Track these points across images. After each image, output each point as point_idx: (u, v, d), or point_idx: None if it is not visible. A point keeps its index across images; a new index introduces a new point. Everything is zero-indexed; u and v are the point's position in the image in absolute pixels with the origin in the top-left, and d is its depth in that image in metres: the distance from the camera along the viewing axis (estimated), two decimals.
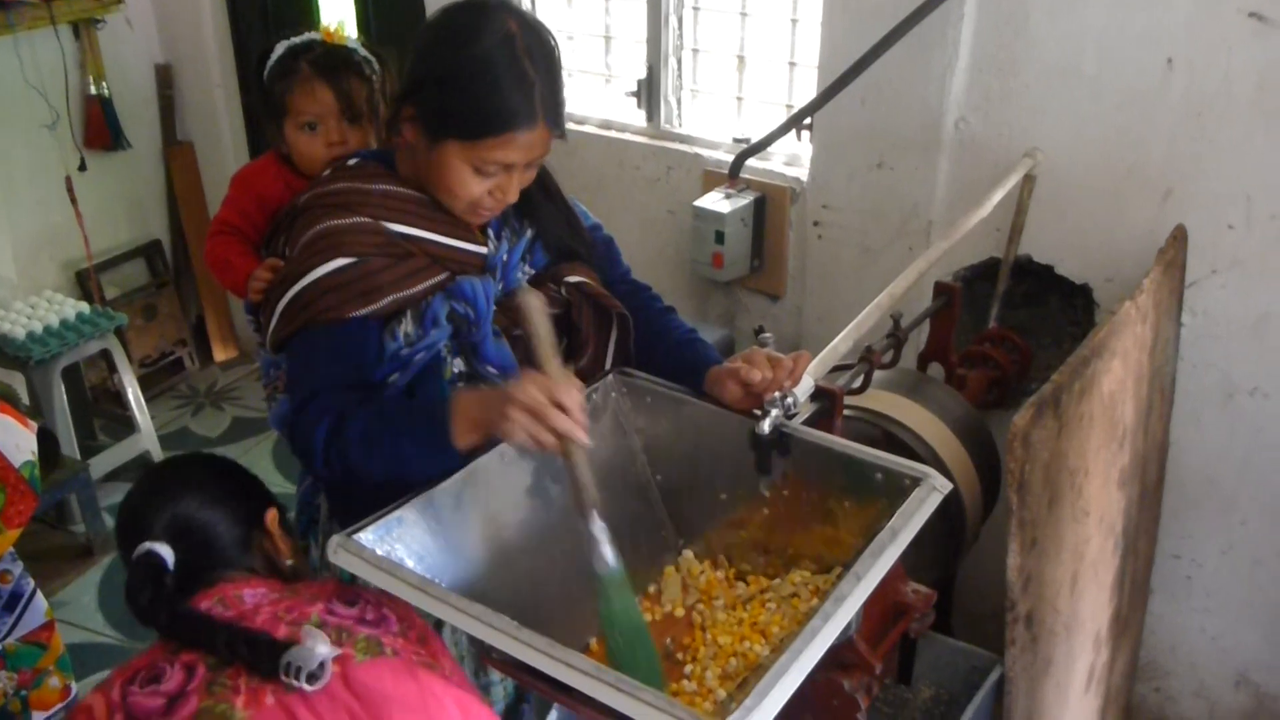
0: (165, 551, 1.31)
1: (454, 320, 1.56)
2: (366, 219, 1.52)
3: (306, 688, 1.14)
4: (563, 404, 1.31)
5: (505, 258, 1.62)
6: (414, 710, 1.20)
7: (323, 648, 1.16)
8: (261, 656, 1.16)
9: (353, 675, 1.19)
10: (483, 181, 1.51)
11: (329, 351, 1.50)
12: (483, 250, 1.60)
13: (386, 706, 1.19)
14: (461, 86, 1.46)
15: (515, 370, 1.60)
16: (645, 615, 1.55)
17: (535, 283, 1.66)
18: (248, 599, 1.28)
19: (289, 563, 1.44)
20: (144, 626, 1.27)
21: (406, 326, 1.53)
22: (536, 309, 1.40)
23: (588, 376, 1.69)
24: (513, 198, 1.55)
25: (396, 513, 1.38)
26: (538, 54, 1.47)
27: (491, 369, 1.59)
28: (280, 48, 1.84)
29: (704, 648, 1.50)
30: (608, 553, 1.35)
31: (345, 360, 1.50)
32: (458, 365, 1.59)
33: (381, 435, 1.43)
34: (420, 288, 1.53)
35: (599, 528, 1.35)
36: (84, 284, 4.04)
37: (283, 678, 1.14)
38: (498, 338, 1.60)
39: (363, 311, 1.50)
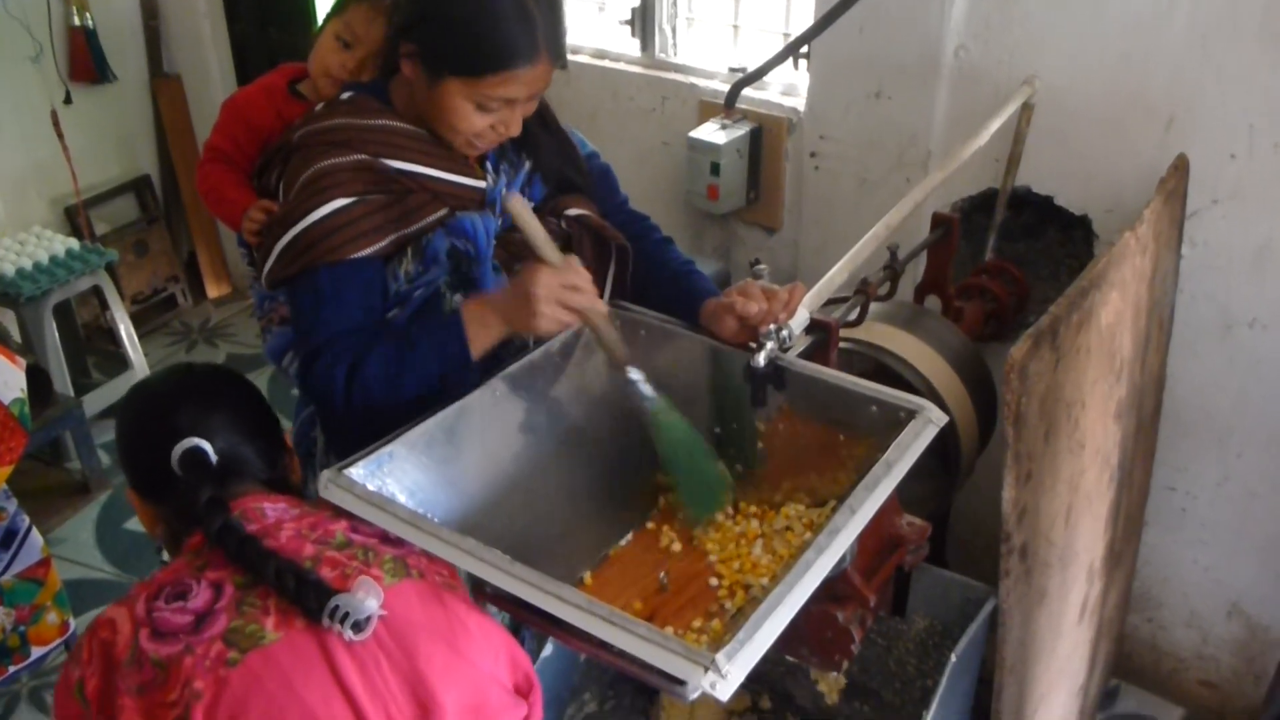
0: (209, 450, 1.29)
1: (454, 256, 1.55)
2: (364, 156, 1.50)
3: (350, 636, 1.13)
4: (576, 284, 1.41)
5: (504, 191, 1.60)
6: (439, 635, 1.21)
7: (373, 601, 1.15)
8: (309, 596, 1.14)
9: (382, 592, 1.19)
10: (485, 117, 1.49)
11: (334, 294, 1.49)
12: (482, 185, 1.58)
13: (412, 631, 1.19)
14: (462, 23, 1.43)
15: None
16: (641, 551, 1.55)
17: (535, 215, 1.64)
18: (269, 513, 1.27)
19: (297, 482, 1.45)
20: (192, 526, 1.25)
21: (407, 264, 1.52)
22: (522, 207, 1.44)
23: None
24: (515, 131, 1.53)
25: (387, 448, 1.37)
26: None
27: None
28: None
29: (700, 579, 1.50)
30: (647, 390, 1.48)
31: (351, 302, 1.49)
32: (457, 300, 1.58)
33: (401, 368, 1.45)
34: (420, 224, 1.52)
35: (635, 374, 1.48)
36: (73, 220, 4.00)
37: (326, 621, 1.13)
38: (498, 273, 1.59)
39: (365, 252, 1.48)
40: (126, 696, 1.12)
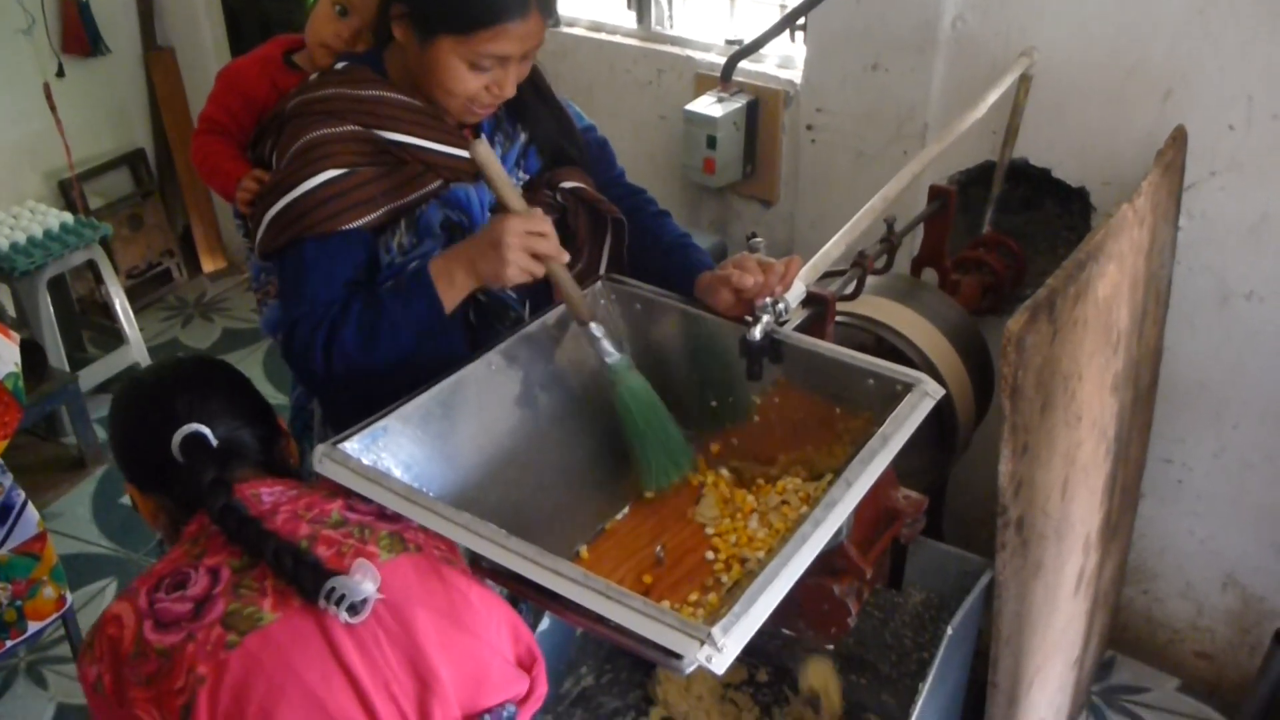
0: (209, 434, 1.30)
1: (449, 228, 1.53)
2: (357, 127, 1.49)
3: (345, 618, 1.13)
4: (542, 231, 1.42)
5: (470, 137, 1.58)
6: (438, 607, 1.21)
7: (369, 585, 1.15)
8: (306, 578, 1.15)
9: (379, 574, 1.19)
10: (479, 77, 1.48)
11: (321, 265, 1.48)
12: None
13: (411, 605, 1.19)
14: None
15: None
16: (638, 525, 1.55)
17: (530, 188, 1.64)
18: (265, 498, 1.27)
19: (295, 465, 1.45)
20: (195, 509, 1.25)
21: (400, 237, 1.51)
22: (487, 153, 1.43)
23: (581, 282, 1.67)
24: (509, 92, 1.52)
25: (382, 421, 1.36)
26: None
27: None
28: None
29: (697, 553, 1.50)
30: (609, 346, 1.49)
31: (336, 275, 1.49)
32: None
33: (374, 330, 1.45)
34: (414, 196, 1.51)
35: (596, 328, 1.49)
36: (67, 194, 3.98)
37: (321, 603, 1.13)
38: None
39: (355, 224, 1.48)
40: (136, 688, 1.13)
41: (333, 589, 1.13)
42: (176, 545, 1.26)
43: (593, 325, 1.48)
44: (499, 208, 1.46)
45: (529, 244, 1.40)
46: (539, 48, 1.51)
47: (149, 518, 1.38)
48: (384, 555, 1.22)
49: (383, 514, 1.28)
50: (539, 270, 1.43)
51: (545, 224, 1.43)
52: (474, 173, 1.57)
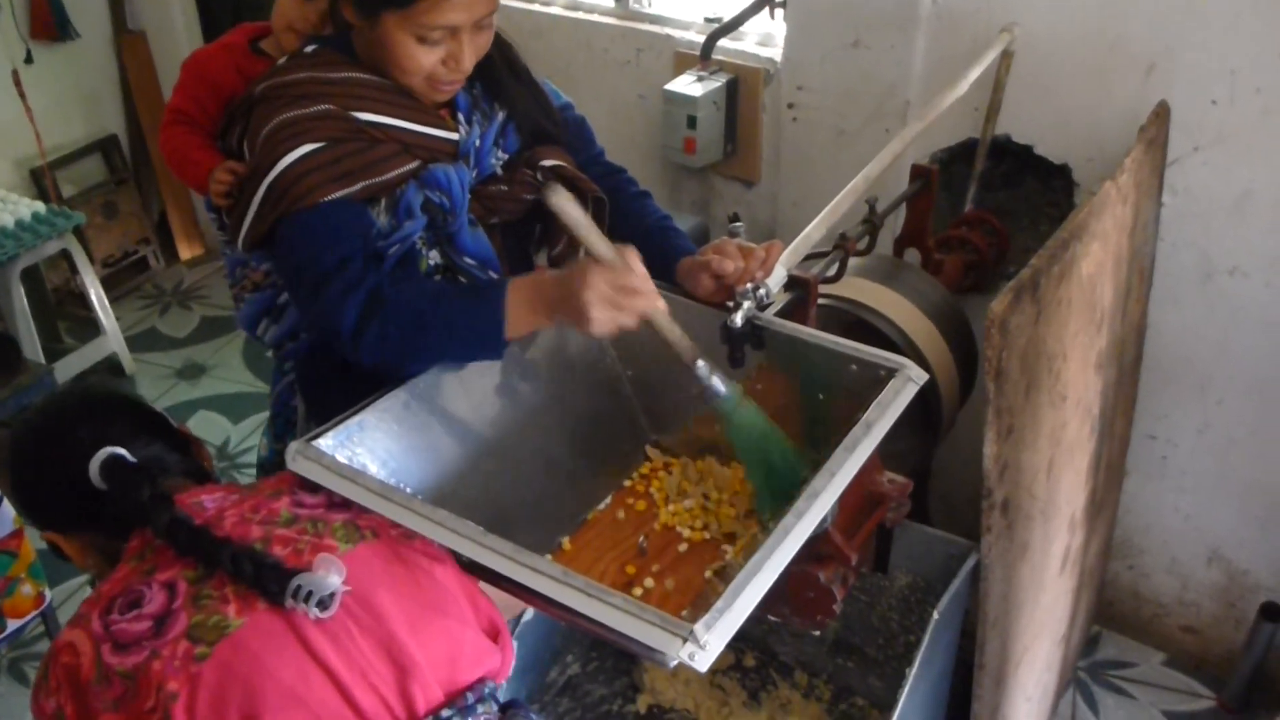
0: (126, 454, 1.26)
1: (429, 210, 1.50)
2: (330, 106, 1.45)
3: (315, 614, 1.11)
4: (632, 286, 1.31)
5: (478, 143, 1.55)
6: (405, 592, 1.19)
7: (335, 578, 1.12)
8: (269, 580, 1.12)
9: (343, 566, 1.16)
10: (431, 51, 1.43)
11: (323, 233, 1.42)
12: (454, 136, 1.53)
13: (377, 592, 1.17)
14: None
15: (493, 260, 1.55)
16: (619, 510, 1.53)
17: (510, 167, 1.60)
18: (208, 505, 1.24)
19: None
20: (128, 533, 1.21)
21: (380, 218, 1.47)
22: (566, 202, 1.34)
23: (560, 263, 1.64)
24: (467, 65, 1.46)
25: (358, 417, 1.34)
26: None
27: (469, 260, 1.54)
28: None
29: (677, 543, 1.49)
30: (717, 384, 1.39)
31: (349, 230, 1.43)
32: (434, 257, 1.54)
33: (426, 314, 1.37)
34: (392, 175, 1.47)
35: (702, 368, 1.38)
36: (39, 182, 3.92)
37: (289, 602, 1.11)
38: (474, 226, 1.54)
39: (338, 194, 1.42)
40: (105, 714, 1.10)
41: (299, 587, 1.11)
42: (121, 565, 1.22)
43: (699, 364, 1.38)
44: (585, 252, 1.36)
45: (616, 300, 1.30)
46: (492, 14, 1.45)
47: (77, 558, 1.33)
48: (343, 546, 1.20)
49: (332, 503, 1.26)
50: (630, 323, 1.33)
51: (636, 275, 1.32)
52: (452, 153, 1.53)
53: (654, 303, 1.34)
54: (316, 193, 1.41)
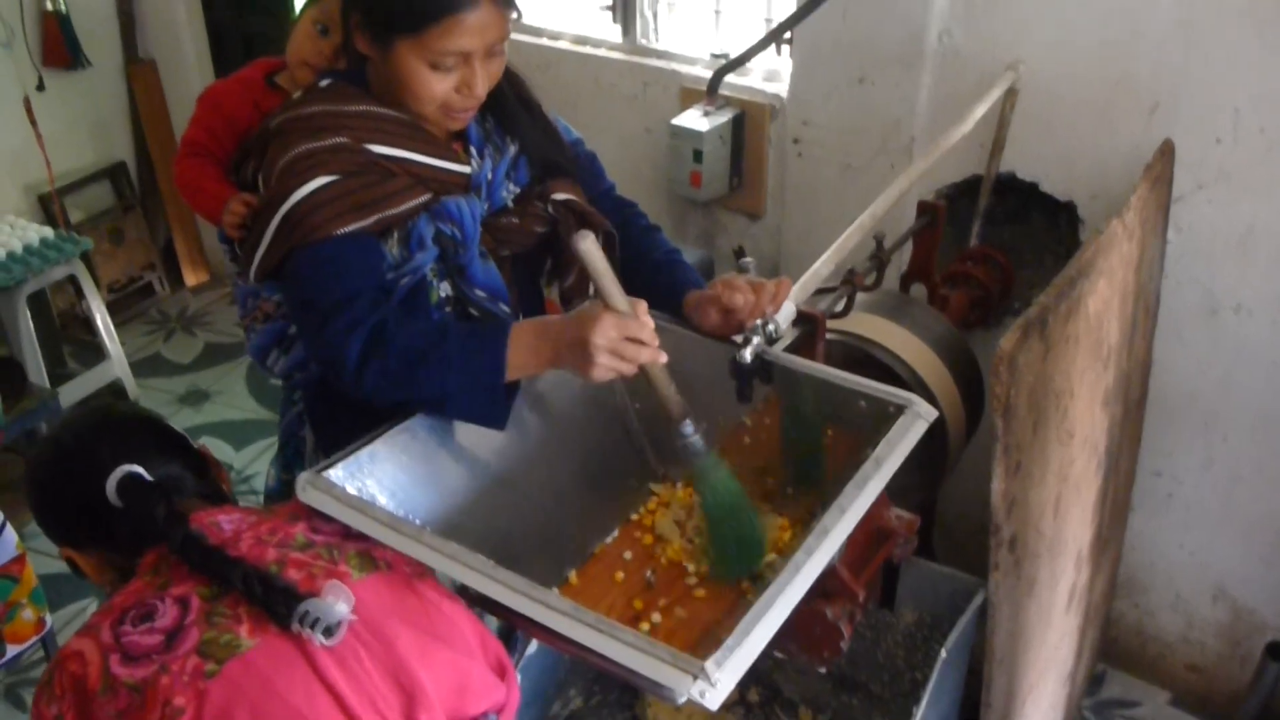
0: (144, 473, 1.27)
1: (441, 242, 1.51)
2: (345, 139, 1.46)
3: (321, 640, 1.11)
4: (639, 336, 1.33)
5: (490, 176, 1.57)
6: (415, 622, 1.20)
7: (343, 605, 1.13)
8: (278, 602, 1.12)
9: (352, 592, 1.17)
10: (444, 78, 1.44)
11: (336, 260, 1.43)
12: (466, 169, 1.55)
13: (389, 622, 1.18)
14: None
15: (503, 292, 1.56)
16: (627, 548, 1.53)
17: (521, 200, 1.61)
18: (225, 526, 1.24)
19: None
20: (142, 551, 1.22)
21: (392, 249, 1.48)
22: (591, 247, 1.34)
23: (571, 297, 1.65)
24: (481, 91, 1.48)
25: (368, 448, 1.35)
26: None
27: (480, 292, 1.55)
28: None
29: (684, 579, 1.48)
30: (698, 443, 1.41)
31: (357, 267, 1.44)
32: (444, 289, 1.55)
33: (429, 348, 1.38)
34: (405, 207, 1.48)
35: (688, 426, 1.40)
36: (47, 208, 3.94)
37: (295, 626, 1.11)
38: (485, 258, 1.55)
39: (350, 228, 1.44)
40: None
41: (307, 612, 1.11)
42: (135, 579, 1.23)
43: (685, 424, 1.40)
44: (600, 300, 1.36)
45: (621, 349, 1.32)
46: (504, 40, 1.47)
47: (93, 575, 1.34)
48: (356, 574, 1.21)
49: (348, 533, 1.26)
50: (629, 371, 1.35)
51: (644, 327, 1.34)
52: (464, 185, 1.55)
53: (655, 356, 1.35)
54: (330, 225, 1.42)
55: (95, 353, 3.78)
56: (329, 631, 1.12)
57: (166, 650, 1.12)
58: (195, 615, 1.15)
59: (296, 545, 1.23)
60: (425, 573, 1.28)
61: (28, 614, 2.35)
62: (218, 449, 3.55)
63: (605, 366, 1.32)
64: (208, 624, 1.14)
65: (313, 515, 1.28)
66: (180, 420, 3.69)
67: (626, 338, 1.32)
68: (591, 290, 1.65)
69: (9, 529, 2.27)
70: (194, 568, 1.18)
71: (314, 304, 1.42)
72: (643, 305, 1.35)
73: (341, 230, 1.43)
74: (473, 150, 1.57)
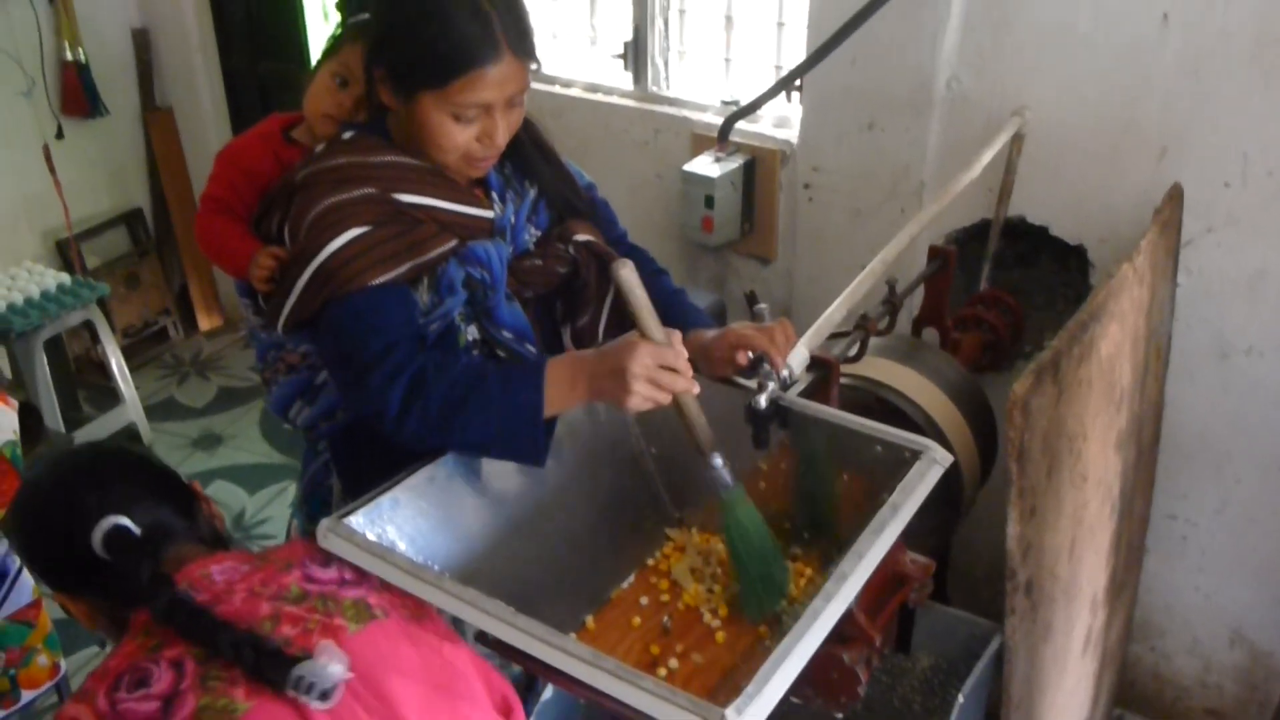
0: (130, 524, 1.23)
1: (470, 286, 1.53)
2: (372, 190, 1.49)
3: (317, 705, 1.09)
4: (674, 365, 1.35)
5: (513, 220, 1.60)
6: (414, 674, 1.19)
7: (337, 667, 1.11)
8: (271, 668, 1.10)
9: (348, 649, 1.16)
10: (465, 128, 1.47)
11: (374, 311, 1.45)
12: (489, 214, 1.57)
13: (387, 677, 1.16)
14: (417, 33, 1.42)
15: (529, 333, 1.58)
16: (643, 593, 1.54)
17: (543, 242, 1.64)
18: (217, 578, 1.22)
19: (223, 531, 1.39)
20: (135, 605, 1.19)
21: (422, 295, 1.50)
22: (631, 277, 1.37)
23: (585, 337, 1.67)
24: (502, 140, 1.50)
25: (388, 495, 1.36)
26: None
27: (506, 333, 1.57)
28: None
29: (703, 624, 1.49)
30: (726, 476, 1.44)
31: (395, 317, 1.46)
32: (472, 332, 1.57)
33: (469, 392, 1.39)
34: (434, 254, 1.50)
35: (717, 459, 1.43)
36: (64, 253, 3.98)
37: (290, 692, 1.09)
38: (510, 300, 1.58)
39: (384, 278, 1.46)
40: None
41: (301, 678, 1.09)
42: (128, 638, 1.20)
43: (714, 457, 1.42)
44: (638, 330, 1.38)
45: (657, 377, 1.34)
46: (524, 92, 1.50)
47: (85, 621, 1.31)
48: (352, 627, 1.19)
49: (342, 580, 1.25)
50: (664, 400, 1.37)
51: (679, 356, 1.36)
52: (488, 230, 1.57)
53: (690, 386, 1.38)
54: (364, 276, 1.44)
55: (110, 397, 3.80)
56: (325, 695, 1.10)
57: (164, 717, 1.09)
58: (190, 679, 1.12)
59: (290, 598, 1.21)
60: (424, 614, 1.27)
61: (43, 659, 2.36)
62: (231, 493, 3.56)
63: (642, 395, 1.34)
64: (203, 689, 1.11)
65: (308, 562, 1.26)
66: (193, 464, 3.71)
67: (662, 366, 1.34)
68: (600, 334, 1.67)
69: (26, 574, 2.28)
70: (181, 634, 1.15)
71: (353, 356, 1.44)
72: (678, 336, 1.38)
73: (376, 281, 1.45)
74: (494, 195, 1.60)
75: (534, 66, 1.49)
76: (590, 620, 1.50)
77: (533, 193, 1.64)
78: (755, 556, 1.45)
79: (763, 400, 1.47)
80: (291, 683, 1.09)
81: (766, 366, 1.50)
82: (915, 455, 1.41)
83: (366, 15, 1.61)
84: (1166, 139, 2.20)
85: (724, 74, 3.05)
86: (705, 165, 2.79)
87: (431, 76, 1.43)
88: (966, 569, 2.62)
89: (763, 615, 1.47)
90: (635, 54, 3.07)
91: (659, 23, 3.04)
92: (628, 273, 1.35)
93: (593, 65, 3.22)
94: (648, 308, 1.37)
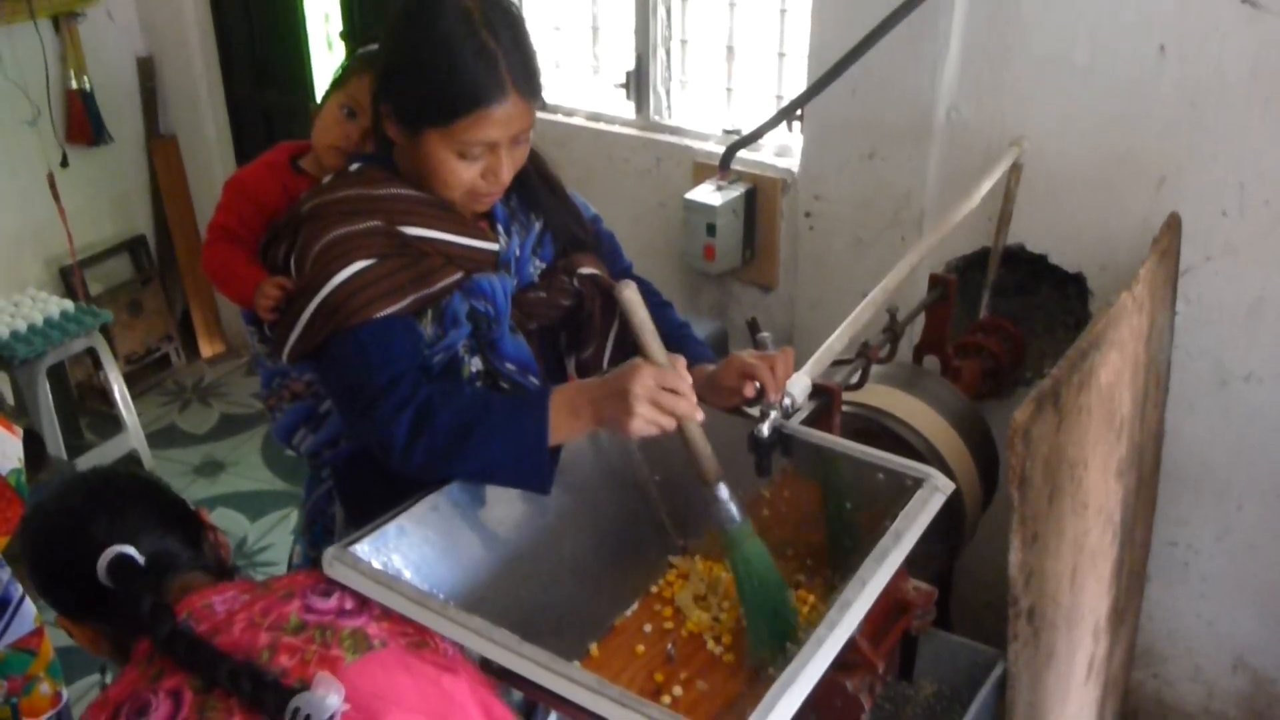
0: (135, 554, 1.24)
1: (474, 318, 1.54)
2: (378, 222, 1.50)
3: None
4: (677, 388, 1.35)
5: (518, 252, 1.60)
6: (410, 706, 1.18)
7: (334, 698, 1.11)
8: (266, 697, 1.11)
9: (344, 680, 1.16)
10: (470, 165, 1.48)
11: (374, 350, 1.45)
12: (494, 247, 1.58)
13: (383, 708, 1.16)
14: (424, 72, 1.43)
15: (533, 365, 1.59)
16: (646, 621, 1.54)
17: (548, 275, 1.65)
18: (218, 608, 1.22)
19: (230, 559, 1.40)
20: (137, 633, 1.20)
21: (427, 327, 1.51)
22: (634, 298, 1.38)
23: (589, 369, 1.67)
24: (506, 177, 1.51)
25: (393, 523, 1.36)
26: (499, 24, 1.43)
27: (510, 365, 1.57)
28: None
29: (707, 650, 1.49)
30: (732, 510, 1.42)
31: (401, 348, 1.47)
32: (475, 364, 1.57)
33: (474, 421, 1.40)
34: (439, 286, 1.51)
35: (722, 490, 1.41)
36: (68, 280, 4.00)
37: None
38: (514, 333, 1.58)
39: (390, 310, 1.46)
40: None
41: (297, 709, 1.09)
42: (129, 667, 1.20)
43: (720, 488, 1.41)
44: (640, 354, 1.39)
45: (660, 399, 1.34)
46: (529, 130, 1.51)
47: (89, 646, 1.32)
48: (349, 658, 1.19)
49: (342, 610, 1.25)
50: (669, 424, 1.36)
51: (682, 379, 1.36)
52: (493, 263, 1.58)
53: (694, 411, 1.37)
54: (370, 309, 1.45)
55: (112, 424, 3.81)
56: None
57: None
58: (188, 710, 1.12)
59: (290, 628, 1.21)
60: (425, 643, 1.27)
61: (44, 688, 2.35)
62: (232, 520, 3.56)
63: (645, 418, 1.34)
64: (200, 719, 1.11)
65: (309, 593, 1.27)
66: (195, 491, 3.71)
67: (664, 388, 1.34)
68: (605, 366, 1.68)
69: (28, 602, 2.28)
70: (179, 664, 1.15)
71: (359, 388, 1.44)
72: (681, 361, 1.39)
73: (381, 314, 1.46)
74: (499, 228, 1.61)
75: (540, 105, 1.50)
76: (594, 648, 1.50)
77: (538, 225, 1.65)
78: (761, 597, 1.44)
79: (765, 428, 1.48)
80: (288, 713, 1.10)
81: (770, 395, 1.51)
82: (917, 483, 1.41)
83: (375, 46, 1.62)
84: (1164, 169, 2.22)
85: (725, 103, 3.07)
86: (707, 194, 2.81)
87: (437, 115, 1.44)
88: (969, 596, 2.62)
89: (761, 655, 1.46)
90: (638, 83, 3.10)
91: (661, 52, 3.07)
92: (630, 294, 1.36)
93: (595, 94, 3.25)
94: (650, 330, 1.37)
